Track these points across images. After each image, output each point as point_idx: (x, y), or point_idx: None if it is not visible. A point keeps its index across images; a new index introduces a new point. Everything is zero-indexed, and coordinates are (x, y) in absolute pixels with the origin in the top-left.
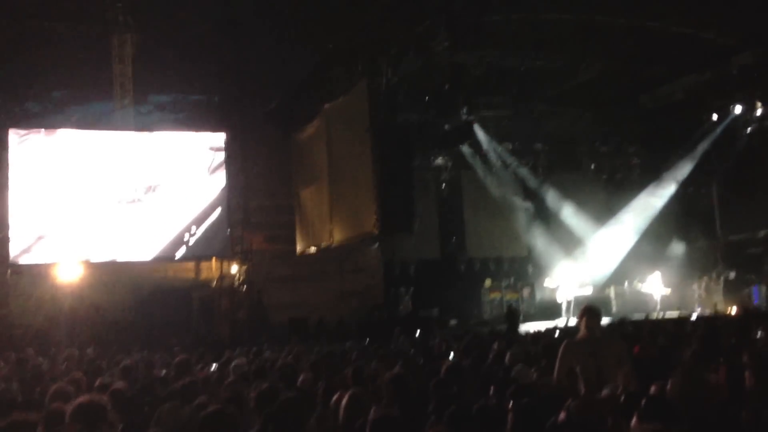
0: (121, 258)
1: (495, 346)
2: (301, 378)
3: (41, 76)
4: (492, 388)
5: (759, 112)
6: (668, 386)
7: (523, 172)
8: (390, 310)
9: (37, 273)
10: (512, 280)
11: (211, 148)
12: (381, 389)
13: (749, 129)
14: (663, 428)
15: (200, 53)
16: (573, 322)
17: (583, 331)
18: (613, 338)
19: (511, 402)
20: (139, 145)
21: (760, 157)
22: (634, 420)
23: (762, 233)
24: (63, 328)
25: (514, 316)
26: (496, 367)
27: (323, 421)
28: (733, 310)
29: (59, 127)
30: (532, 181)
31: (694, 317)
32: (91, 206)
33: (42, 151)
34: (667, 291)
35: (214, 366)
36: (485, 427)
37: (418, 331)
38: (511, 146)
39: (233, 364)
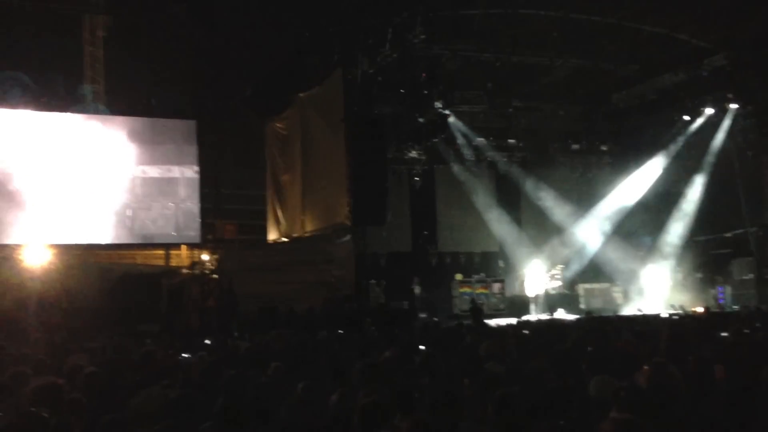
0: (90, 243)
1: (467, 339)
2: (272, 366)
3: (10, 55)
4: (465, 379)
5: (730, 114)
6: (640, 379)
7: (497, 167)
8: (361, 302)
9: (3, 256)
10: (483, 274)
11: (184, 135)
12: (353, 377)
13: (720, 131)
14: (634, 419)
15: (174, 38)
16: (542, 317)
17: None
18: None
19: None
20: (111, 130)
21: (729, 159)
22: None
23: (729, 234)
24: (31, 312)
25: (478, 311)
26: (466, 360)
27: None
28: (699, 310)
29: (28, 107)
30: (505, 177)
31: (662, 315)
32: (59, 189)
33: (10, 132)
34: (636, 289)
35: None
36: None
37: (388, 323)
38: (485, 141)
39: (202, 352)
